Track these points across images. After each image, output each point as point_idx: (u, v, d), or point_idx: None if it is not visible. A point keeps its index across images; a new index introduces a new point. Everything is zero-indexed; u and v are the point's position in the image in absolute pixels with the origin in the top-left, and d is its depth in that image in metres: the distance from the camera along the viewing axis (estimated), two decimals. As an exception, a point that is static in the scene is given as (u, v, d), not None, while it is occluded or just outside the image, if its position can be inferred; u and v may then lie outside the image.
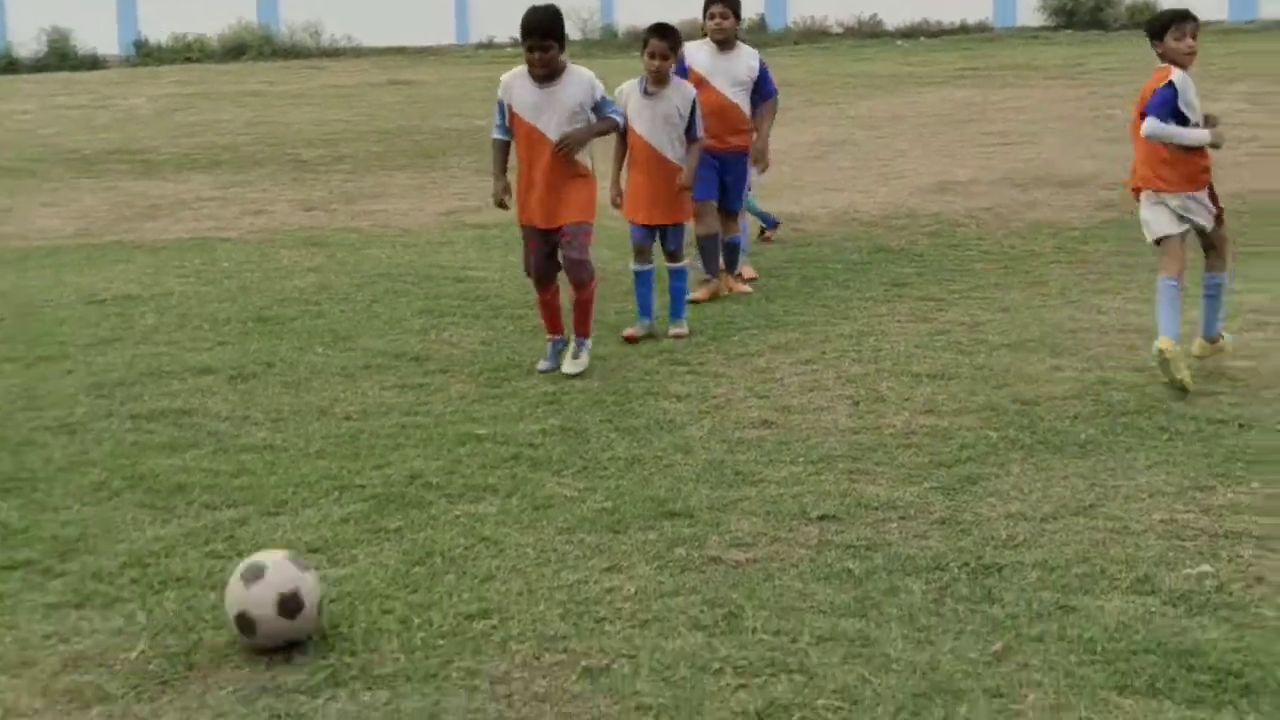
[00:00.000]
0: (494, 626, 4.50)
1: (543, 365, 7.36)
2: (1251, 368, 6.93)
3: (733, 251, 9.29)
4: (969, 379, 6.92)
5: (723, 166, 9.07)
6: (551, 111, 7.10)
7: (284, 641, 4.34)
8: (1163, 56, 6.72)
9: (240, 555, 5.08)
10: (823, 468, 5.80)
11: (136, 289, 9.70)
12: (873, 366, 7.21)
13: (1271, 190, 12.05)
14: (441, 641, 4.41)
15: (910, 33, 33.27)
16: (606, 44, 35.22)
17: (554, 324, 7.51)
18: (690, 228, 8.66)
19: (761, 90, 9.18)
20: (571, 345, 7.43)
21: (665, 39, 7.99)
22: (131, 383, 7.33)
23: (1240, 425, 6.05)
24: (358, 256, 10.84)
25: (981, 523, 5.15)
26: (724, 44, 9.07)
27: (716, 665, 4.18)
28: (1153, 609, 4.42)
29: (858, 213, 12.08)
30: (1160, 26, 6.71)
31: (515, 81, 7.25)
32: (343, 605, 4.67)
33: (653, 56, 7.96)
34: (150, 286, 9.79)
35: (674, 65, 8.18)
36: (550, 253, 7.39)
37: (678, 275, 8.18)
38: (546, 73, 7.08)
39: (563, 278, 7.48)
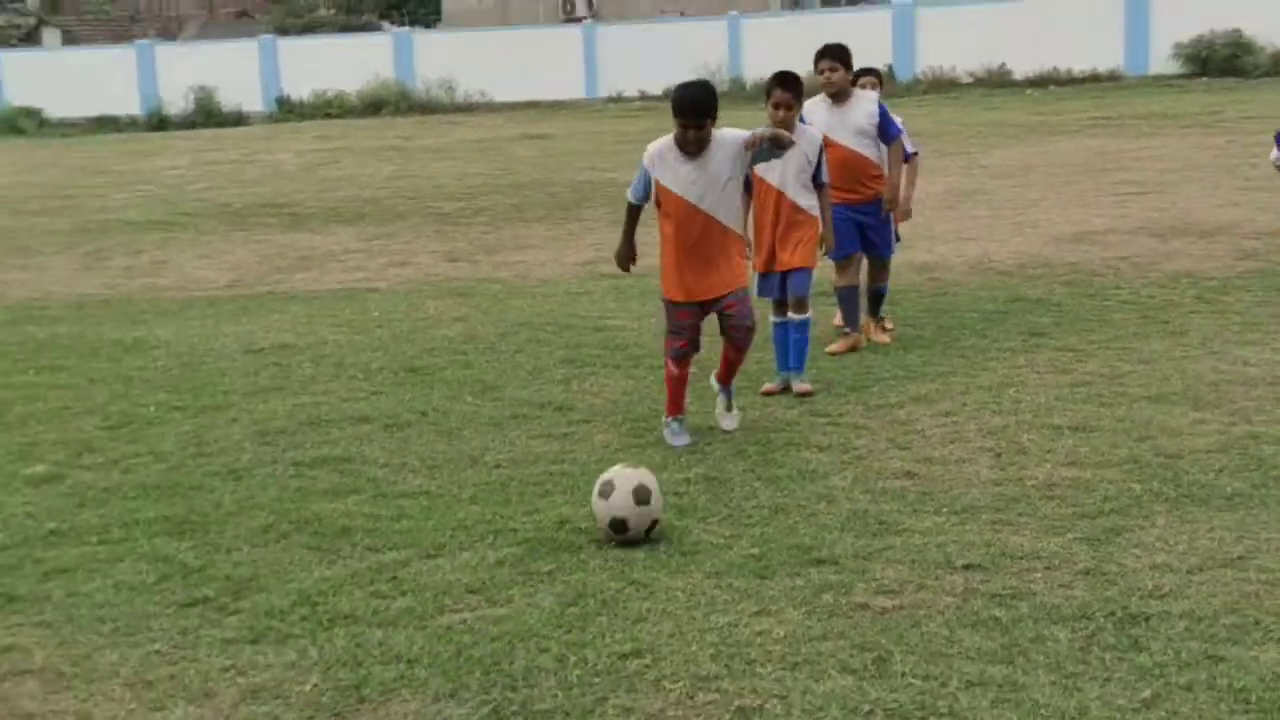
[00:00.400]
0: (647, 666, 4.65)
1: (682, 440, 7.08)
2: (1402, 421, 6.87)
3: (877, 299, 9.38)
4: (1110, 431, 6.94)
5: (862, 217, 9.18)
6: (705, 182, 6.93)
7: (649, 524, 5.69)
8: None
9: (404, 595, 5.34)
10: (966, 518, 5.88)
11: (292, 339, 10.08)
12: (1013, 418, 7.26)
13: None
14: (597, 679, 4.58)
15: (1039, 81, 33.10)
16: (735, 95, 35.53)
17: (682, 402, 7.24)
18: (818, 279, 8.64)
19: (885, 134, 9.16)
20: (725, 399, 7.44)
21: (788, 89, 7.94)
22: (293, 431, 7.64)
23: (1395, 479, 6.02)
24: (501, 306, 11.14)
25: (1126, 573, 5.20)
26: (838, 96, 9.06)
27: (867, 708, 4.30)
28: (1305, 661, 4.44)
29: (993, 262, 12.12)
30: None
31: (664, 154, 7.02)
32: (501, 644, 4.87)
33: (777, 107, 7.92)
34: (305, 336, 10.17)
35: (798, 115, 8.09)
36: (699, 324, 7.21)
37: (799, 327, 8.10)
38: (699, 149, 6.93)
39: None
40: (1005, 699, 4.30)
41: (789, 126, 7.87)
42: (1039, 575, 5.23)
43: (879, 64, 34.42)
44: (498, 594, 5.33)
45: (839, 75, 9.04)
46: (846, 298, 9.23)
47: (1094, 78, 32.96)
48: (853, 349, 9.03)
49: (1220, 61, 31.69)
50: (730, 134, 7.06)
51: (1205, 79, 31.36)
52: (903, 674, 4.50)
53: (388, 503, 6.44)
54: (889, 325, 9.53)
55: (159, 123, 39.69)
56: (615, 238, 14.93)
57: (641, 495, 5.69)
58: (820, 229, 8.13)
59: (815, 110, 8.97)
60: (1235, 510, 5.80)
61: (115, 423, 7.94)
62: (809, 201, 8.09)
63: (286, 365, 9.25)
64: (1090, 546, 5.48)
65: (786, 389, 8.09)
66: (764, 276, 8.24)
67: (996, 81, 33.78)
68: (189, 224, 17.73)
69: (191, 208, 19.42)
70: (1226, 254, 11.90)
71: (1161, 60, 32.72)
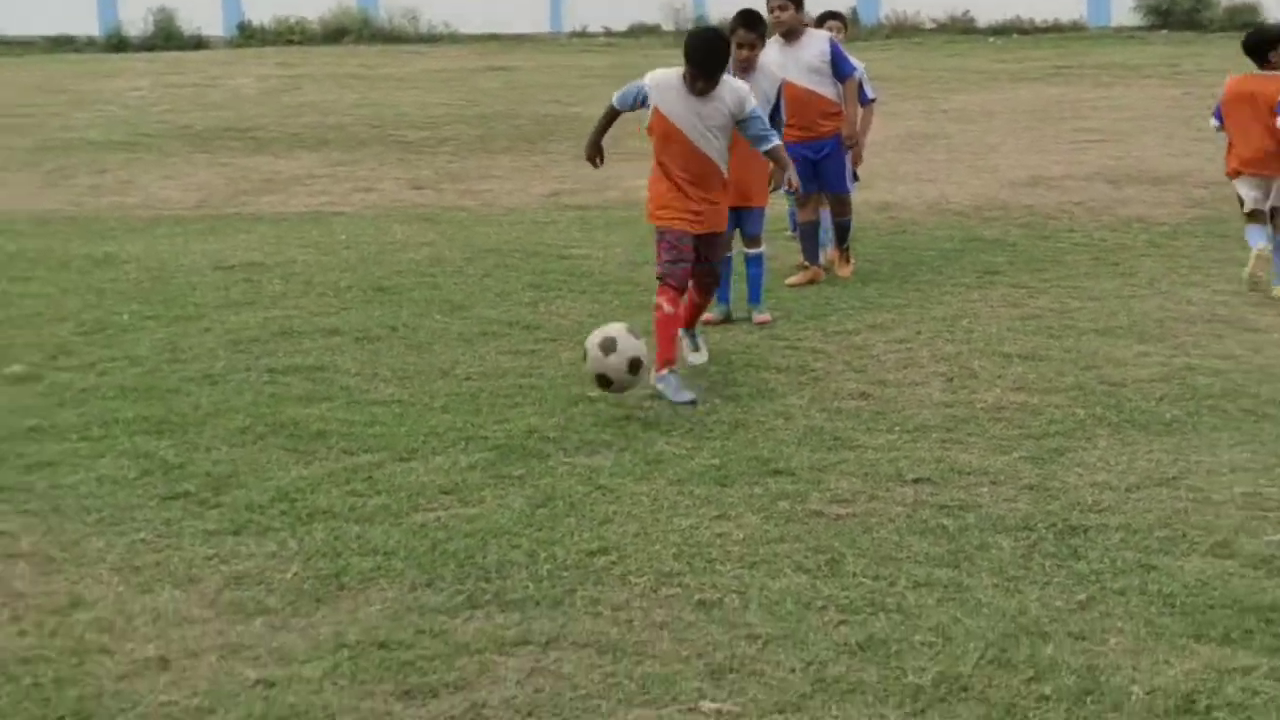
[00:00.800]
0: (613, 562, 4.90)
1: (686, 396, 6.70)
2: (1335, 358, 7.18)
3: (843, 232, 9.58)
4: (1058, 361, 7.23)
5: (815, 155, 9.32)
6: (704, 124, 6.92)
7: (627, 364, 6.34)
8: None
9: (379, 494, 5.56)
10: (918, 436, 6.15)
11: (260, 257, 10.22)
12: (965, 346, 7.53)
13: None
14: (565, 573, 4.83)
15: (1003, 30, 33.26)
16: (700, 35, 35.60)
17: (675, 351, 6.95)
18: (770, 216, 8.70)
19: (839, 71, 9.22)
20: (690, 341, 7.47)
21: (752, 29, 7.97)
22: (265, 340, 7.82)
23: (1324, 410, 6.33)
24: (467, 233, 11.30)
25: (1068, 490, 5.48)
26: (789, 35, 9.11)
27: (820, 603, 4.56)
28: (1231, 571, 4.73)
29: (950, 203, 12.36)
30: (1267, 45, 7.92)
31: (671, 84, 6.96)
32: (474, 540, 5.10)
33: (740, 46, 7.89)
34: (273, 255, 10.31)
35: (760, 53, 8.03)
36: (698, 259, 7.07)
37: (754, 261, 8.28)
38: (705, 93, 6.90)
39: None
40: (950, 598, 4.57)
41: (752, 65, 7.97)
42: (985, 490, 5.51)
43: (843, 7, 34.41)
44: (470, 495, 5.56)
45: (789, 14, 9.09)
46: (807, 234, 9.44)
47: (1056, 27, 33.15)
48: (811, 282, 9.26)
49: (1181, 14, 31.95)
50: (734, 85, 7.03)
51: (1165, 31, 31.64)
52: (854, 574, 4.77)
53: (361, 409, 6.64)
54: (850, 260, 9.75)
55: (118, 44, 39.23)
56: (582, 172, 15.16)
57: (608, 346, 6.42)
58: (771, 168, 7.94)
59: (767, 50, 9.00)
60: (1172, 435, 6.10)
61: (89, 329, 8.08)
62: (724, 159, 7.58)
63: (256, 282, 9.41)
64: (1035, 465, 5.76)
65: (725, 320, 8.24)
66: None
67: (959, 29, 33.89)
68: (152, 145, 17.70)
69: (154, 129, 19.36)
70: (1177, 201, 12.19)
71: (1124, 12, 32.92)
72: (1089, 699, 3.94)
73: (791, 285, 9.16)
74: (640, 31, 36.92)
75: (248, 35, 39.74)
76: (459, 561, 4.94)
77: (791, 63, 9.02)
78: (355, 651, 4.33)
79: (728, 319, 8.30)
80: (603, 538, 5.11)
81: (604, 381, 6.47)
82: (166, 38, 39.42)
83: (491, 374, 7.23)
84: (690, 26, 36.13)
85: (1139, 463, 5.76)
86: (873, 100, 10.00)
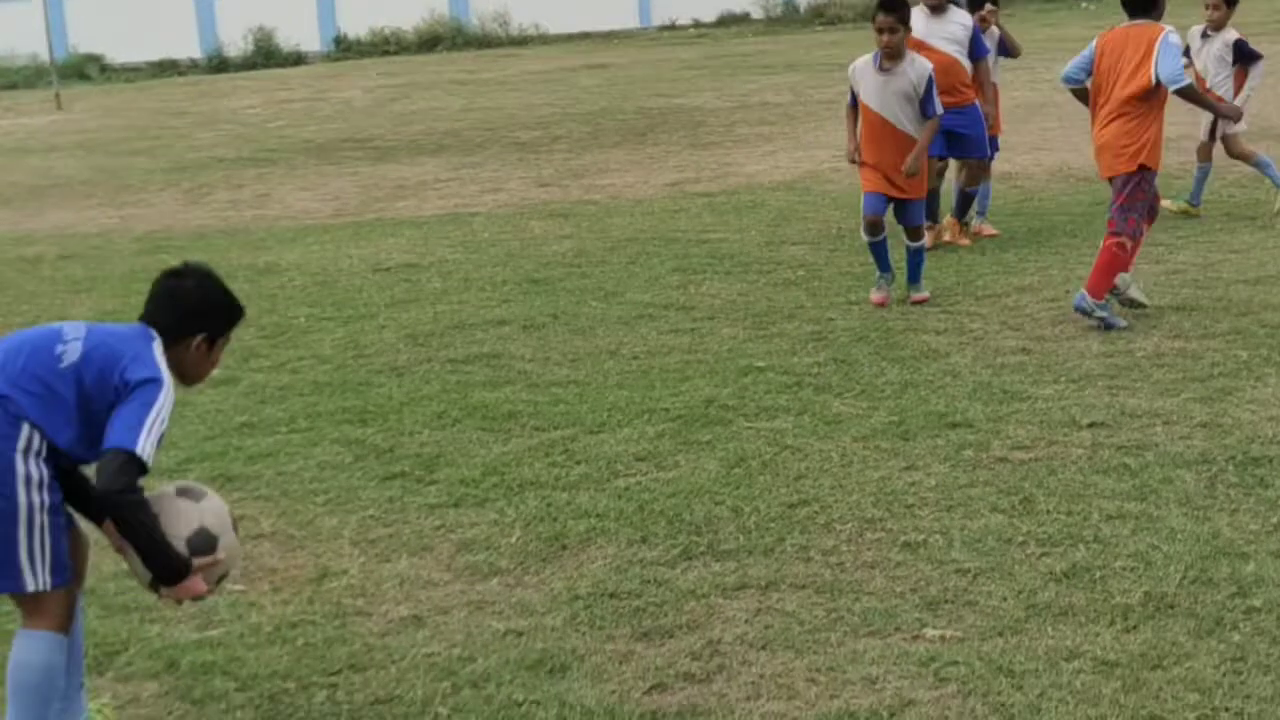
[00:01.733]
0: (815, 513, 5.22)
1: (1122, 322, 7.28)
2: None
3: (965, 201, 9.79)
4: (1210, 309, 7.42)
5: (951, 121, 9.44)
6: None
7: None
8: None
9: (578, 464, 5.92)
10: (1084, 385, 6.39)
11: (414, 258, 10.65)
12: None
13: None
14: (772, 524, 5.15)
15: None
16: (789, 20, 35.73)
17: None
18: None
19: (973, 51, 9.55)
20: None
21: (892, 12, 7.90)
22: (440, 334, 8.22)
23: None
24: (602, 224, 11.65)
25: (1242, 425, 5.70)
26: (936, 8, 9.48)
27: (1020, 539, 4.84)
28: None
29: (1072, 170, 12.50)
30: None
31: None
32: (678, 499, 5.44)
33: (880, 31, 7.94)
34: (425, 255, 10.74)
35: (903, 37, 8.02)
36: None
37: (914, 254, 8.23)
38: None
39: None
40: (1144, 528, 4.83)
41: (895, 51, 7.98)
42: (1159, 429, 5.75)
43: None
44: (664, 460, 5.90)
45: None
46: (930, 199, 9.58)
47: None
48: (934, 243, 9.36)
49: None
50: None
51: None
52: (1047, 511, 5.04)
53: (542, 390, 7.01)
54: (988, 231, 9.91)
55: (219, 64, 40.22)
56: (696, 160, 15.42)
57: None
58: (920, 158, 8.10)
59: (915, 18, 9.30)
60: (1339, 372, 6.28)
61: (271, 333, 8.53)
62: (916, 130, 8.08)
63: (416, 281, 9.83)
64: (1204, 404, 5.98)
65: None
66: (876, 196, 8.21)
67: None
68: (278, 159, 18.28)
69: (276, 144, 19.97)
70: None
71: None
72: (1296, 609, 4.19)
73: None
74: (730, 20, 37.21)
75: (344, 48, 40.59)
76: (668, 519, 5.28)
77: (935, 32, 9.38)
78: (589, 602, 4.69)
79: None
80: (800, 491, 5.42)
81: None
82: (266, 56, 40.38)
83: (657, 352, 7.57)
84: (779, 11, 36.37)
85: (1309, 398, 5.96)
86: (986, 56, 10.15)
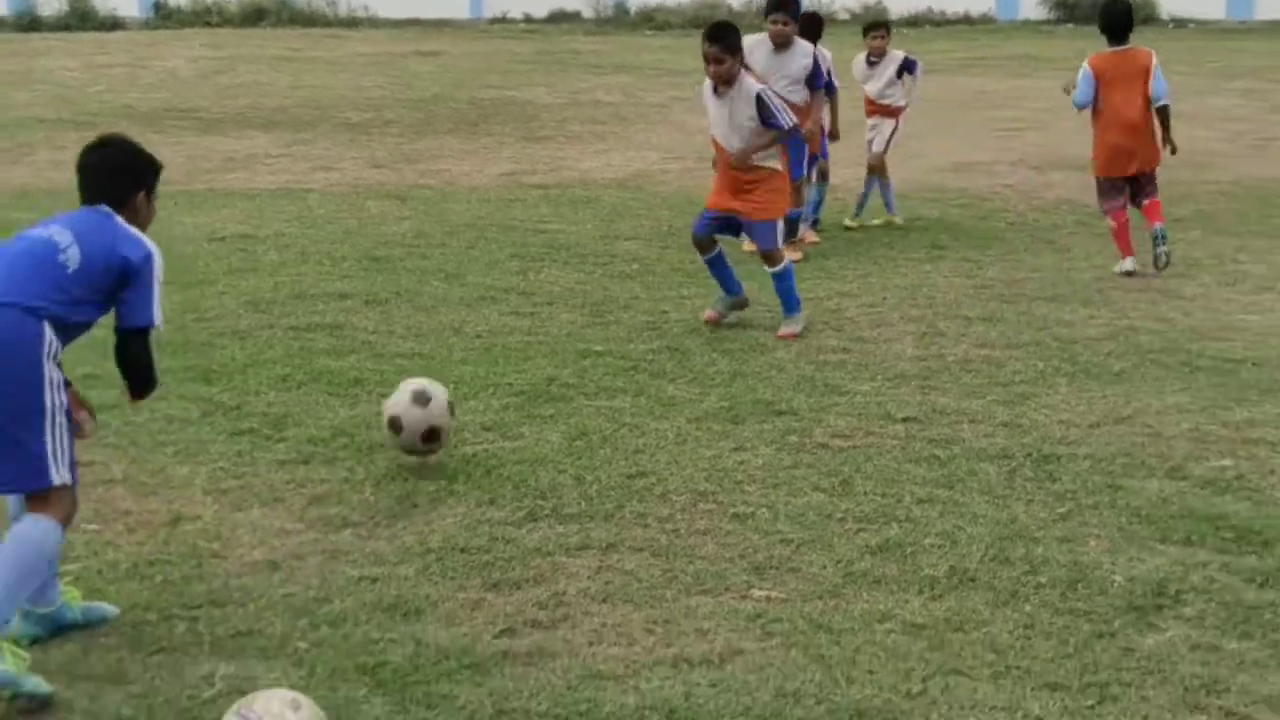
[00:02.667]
0: (652, 484, 5.58)
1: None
2: (1259, 321, 8.04)
3: (790, 224, 10.01)
4: (1014, 322, 8.01)
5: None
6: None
7: (424, 429, 5.65)
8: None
9: (425, 432, 6.14)
10: (899, 383, 6.89)
11: (249, 229, 10.72)
12: (928, 310, 8.29)
13: (1265, 177, 13.19)
14: (612, 492, 5.49)
15: (915, 21, 34.33)
16: (618, 22, 36.21)
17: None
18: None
19: (811, 83, 9.70)
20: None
21: (715, 42, 7.68)
22: (281, 302, 8.37)
23: (1253, 364, 7.15)
24: (439, 209, 11.87)
25: (1038, 426, 6.25)
26: (780, 45, 9.56)
27: (839, 515, 5.28)
28: (1184, 490, 5.51)
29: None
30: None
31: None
32: (524, 467, 5.75)
33: (707, 61, 7.74)
34: (261, 228, 10.82)
35: (735, 65, 7.77)
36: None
37: (776, 281, 7.91)
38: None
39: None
40: (950, 511, 5.31)
41: (725, 80, 7.76)
42: (966, 426, 6.26)
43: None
44: (510, 430, 6.20)
45: (790, 28, 9.52)
46: None
47: (967, 20, 34.29)
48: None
49: (1086, 8, 33.14)
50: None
51: (1071, 24, 32.86)
52: (864, 493, 5.49)
53: (386, 360, 7.24)
54: (810, 239, 10.40)
55: (30, 23, 38.97)
56: (530, 153, 15.64)
57: (419, 397, 5.67)
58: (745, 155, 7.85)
59: (755, 51, 9.40)
60: (1122, 383, 6.89)
61: (109, 292, 8.55)
62: (759, 155, 7.84)
63: (252, 252, 9.92)
64: (1006, 407, 6.52)
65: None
66: (706, 213, 8.05)
67: (873, 19, 34.82)
68: (100, 124, 17.91)
69: (96, 109, 19.62)
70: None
71: (1030, 5, 34.14)
72: (1079, 585, 4.69)
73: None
74: (560, 17, 37.53)
75: (164, 16, 39.72)
76: (514, 484, 5.58)
77: (775, 70, 9.46)
78: (440, 555, 4.96)
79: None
80: (638, 464, 5.77)
81: (433, 438, 5.70)
82: (81, 18, 39.24)
83: (499, 332, 7.85)
84: (610, 13, 36.83)
85: (1096, 405, 6.54)
86: (836, 89, 10.67)
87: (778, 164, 7.98)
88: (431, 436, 5.66)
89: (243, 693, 3.96)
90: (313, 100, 20.71)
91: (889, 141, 11.58)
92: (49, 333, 4.06)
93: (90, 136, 13.86)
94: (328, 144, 16.39)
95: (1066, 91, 9.75)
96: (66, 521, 4.14)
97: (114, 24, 38.98)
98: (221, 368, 7.06)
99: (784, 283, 7.90)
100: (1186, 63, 23.99)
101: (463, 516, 5.29)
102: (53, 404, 4.06)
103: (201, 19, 38.74)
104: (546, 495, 5.47)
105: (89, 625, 4.37)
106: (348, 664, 4.20)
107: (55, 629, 4.31)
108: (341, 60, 27.44)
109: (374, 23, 38.08)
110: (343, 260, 9.67)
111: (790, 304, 7.90)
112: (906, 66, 11.63)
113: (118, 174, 4.37)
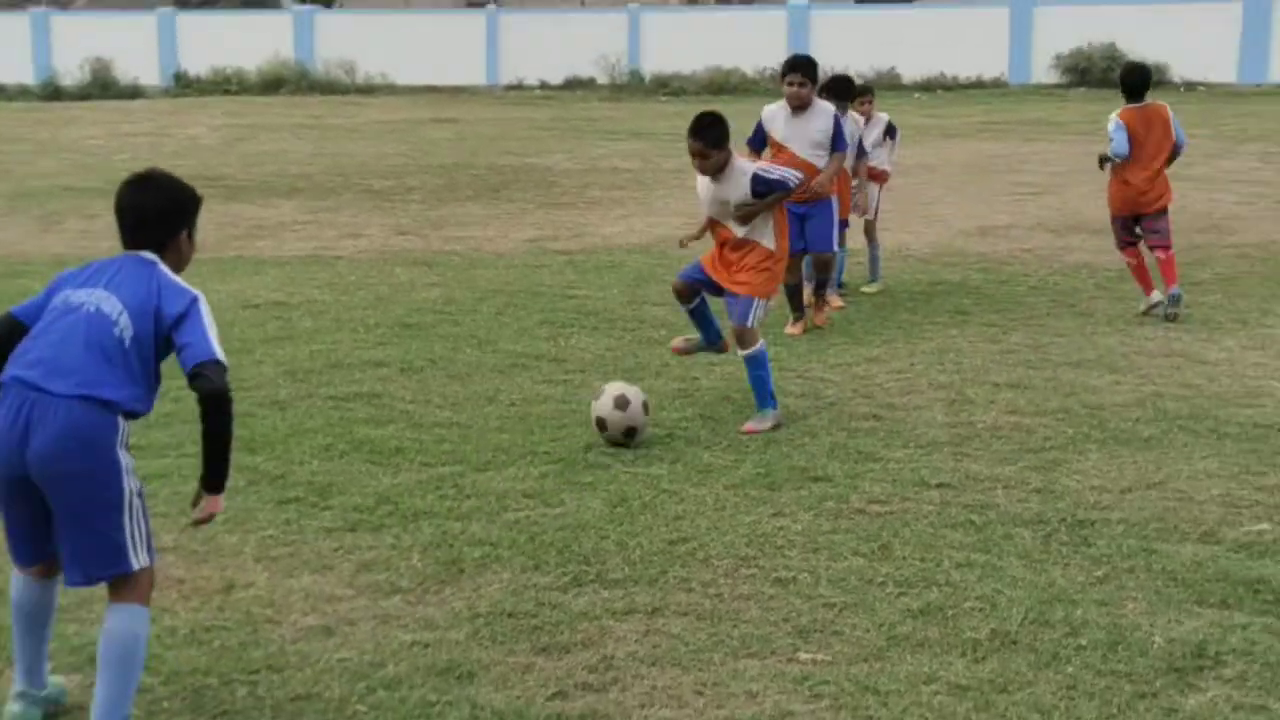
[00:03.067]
0: (694, 549, 5.68)
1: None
2: (1283, 385, 8.15)
3: (821, 286, 10.14)
4: (1041, 388, 8.11)
5: (805, 217, 9.57)
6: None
7: (625, 428, 6.98)
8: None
9: (468, 498, 6.29)
10: (931, 450, 6.99)
11: (283, 296, 10.89)
12: (956, 376, 8.40)
13: (1286, 243, 13.33)
14: (655, 558, 5.60)
15: (927, 86, 34.66)
16: (634, 88, 36.62)
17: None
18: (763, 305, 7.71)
19: (834, 146, 9.56)
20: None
21: (698, 137, 7.48)
22: (319, 371, 8.51)
23: (1281, 428, 7.27)
24: (468, 275, 12.03)
25: (1070, 492, 6.34)
26: (798, 108, 9.47)
27: (880, 579, 5.37)
28: (1219, 554, 5.60)
29: (910, 251, 13.30)
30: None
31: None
32: (567, 533, 5.85)
33: (693, 156, 7.56)
34: (294, 295, 10.98)
35: (722, 156, 7.51)
36: None
37: (747, 365, 7.56)
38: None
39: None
40: (989, 575, 5.40)
41: (714, 171, 7.56)
42: (1000, 492, 6.35)
43: (773, 63, 35.54)
44: (551, 498, 6.30)
45: (807, 90, 9.44)
46: (792, 294, 9.73)
47: (979, 84, 34.61)
48: (805, 331, 9.83)
49: (1098, 73, 33.50)
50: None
51: (1083, 89, 33.17)
52: (903, 557, 5.58)
53: (425, 430, 7.36)
54: (835, 303, 10.49)
55: (53, 93, 39.49)
56: (554, 219, 15.83)
57: (620, 402, 6.99)
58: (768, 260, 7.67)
59: (775, 118, 9.53)
60: (1151, 449, 6.99)
61: (149, 361, 8.70)
62: (743, 233, 7.65)
63: (287, 319, 10.08)
64: (1038, 473, 6.62)
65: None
66: (693, 267, 7.90)
67: (886, 84, 35.15)
68: (129, 191, 18.23)
69: (123, 177, 19.82)
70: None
71: (1042, 70, 34.48)
72: (1119, 647, 4.78)
73: (790, 335, 9.69)
74: (575, 84, 37.98)
75: (184, 85, 40.25)
76: (558, 549, 5.69)
77: (796, 136, 9.43)
78: (488, 620, 5.06)
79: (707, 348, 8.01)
80: (679, 530, 5.88)
81: (632, 435, 7.07)
82: (103, 87, 39.78)
83: (533, 400, 7.97)
84: (625, 80, 37.25)
85: (1127, 471, 6.64)
86: (843, 150, 10.73)
87: (772, 243, 7.67)
88: (631, 433, 7.04)
89: (306, 756, 4.07)
90: (335, 167, 21.00)
91: (877, 205, 11.93)
92: (122, 422, 4.10)
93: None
94: (353, 211, 16.61)
95: (1103, 164, 10.60)
96: (149, 602, 4.20)
97: (135, 92, 39.53)
98: (263, 437, 7.18)
99: (756, 371, 7.50)
100: (1201, 125, 24.25)
101: (508, 582, 5.39)
102: (129, 491, 4.10)
103: (221, 87, 39.27)
104: (590, 561, 5.58)
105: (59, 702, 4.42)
106: (406, 728, 4.30)
107: (53, 705, 4.37)
108: (361, 128, 27.81)
109: (391, 89, 38.58)
110: (376, 327, 9.82)
111: (761, 396, 7.47)
112: (889, 131, 11.99)
113: (163, 216, 4.26)
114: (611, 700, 4.49)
